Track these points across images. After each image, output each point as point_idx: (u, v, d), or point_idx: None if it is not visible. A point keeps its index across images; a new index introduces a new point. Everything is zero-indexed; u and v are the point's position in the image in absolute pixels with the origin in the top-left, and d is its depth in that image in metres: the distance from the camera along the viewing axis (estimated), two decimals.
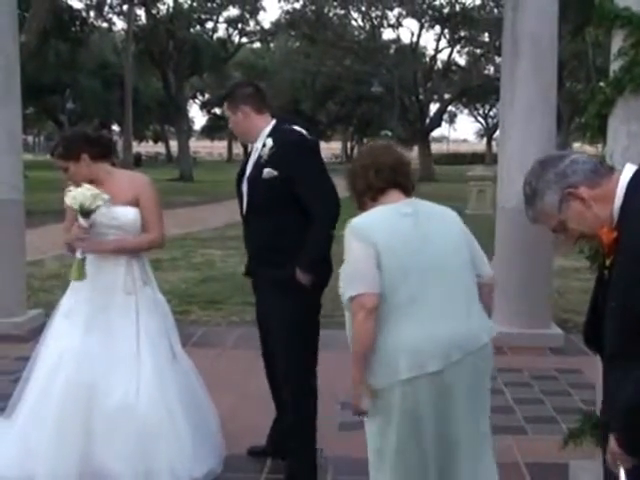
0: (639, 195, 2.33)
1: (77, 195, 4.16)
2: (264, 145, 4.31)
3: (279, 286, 4.26)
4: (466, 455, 3.25)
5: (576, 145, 51.61)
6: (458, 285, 3.20)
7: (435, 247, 3.18)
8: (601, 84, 3.89)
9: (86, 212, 4.19)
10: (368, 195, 3.30)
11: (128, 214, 4.32)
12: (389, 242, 3.12)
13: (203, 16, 47.20)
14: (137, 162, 51.45)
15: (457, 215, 3.39)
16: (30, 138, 75.78)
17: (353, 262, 3.13)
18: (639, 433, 2.29)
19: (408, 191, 3.34)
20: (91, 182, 4.31)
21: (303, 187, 4.21)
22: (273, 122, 4.42)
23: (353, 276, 3.10)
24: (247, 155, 4.65)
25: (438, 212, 3.34)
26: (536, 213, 2.47)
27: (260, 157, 4.31)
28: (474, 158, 66.28)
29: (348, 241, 3.16)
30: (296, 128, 4.44)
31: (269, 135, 4.34)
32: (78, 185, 4.26)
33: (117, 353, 4.22)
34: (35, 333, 7.16)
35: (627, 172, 2.39)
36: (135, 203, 4.34)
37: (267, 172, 4.24)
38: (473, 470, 3.27)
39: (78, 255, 4.25)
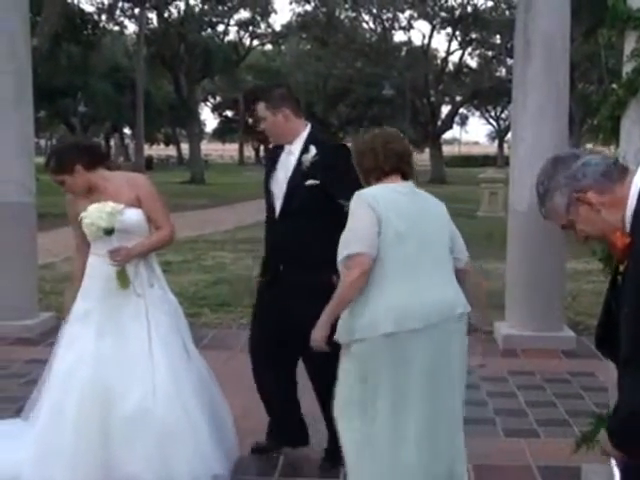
0: None
1: (94, 221, 4.15)
2: (305, 151, 4.36)
3: (312, 290, 4.18)
4: (447, 420, 3.67)
5: (588, 147, 51.42)
6: (441, 259, 3.63)
7: (426, 223, 3.61)
8: (614, 86, 3.88)
9: (109, 231, 4.19)
10: (374, 175, 3.70)
11: (131, 216, 4.31)
12: (389, 212, 3.49)
13: (214, 19, 47.32)
14: (148, 165, 51.56)
15: (444, 205, 3.80)
16: (42, 141, 76.02)
17: (358, 226, 3.47)
18: (635, 439, 2.29)
19: (408, 177, 3.75)
20: (89, 190, 4.33)
21: (342, 195, 4.17)
22: (309, 127, 4.48)
23: (356, 237, 3.45)
24: (273, 155, 4.62)
25: (430, 198, 3.76)
26: (547, 211, 2.47)
27: (301, 163, 4.35)
28: (486, 160, 66.16)
29: (355, 208, 3.53)
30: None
31: (309, 142, 4.39)
32: (77, 195, 4.30)
33: (131, 356, 4.22)
34: (46, 336, 7.20)
35: (638, 177, 2.35)
36: (137, 203, 4.34)
37: (311, 179, 4.31)
38: (451, 438, 3.71)
39: (118, 268, 4.25)
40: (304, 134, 4.43)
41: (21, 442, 4.33)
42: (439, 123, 47.67)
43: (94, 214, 4.16)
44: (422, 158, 68.95)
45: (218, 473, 4.24)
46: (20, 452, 4.28)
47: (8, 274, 7.64)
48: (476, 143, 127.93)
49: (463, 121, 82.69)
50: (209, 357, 4.91)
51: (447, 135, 72.97)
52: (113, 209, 4.17)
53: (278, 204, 4.44)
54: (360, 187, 4.20)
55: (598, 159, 2.37)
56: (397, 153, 3.68)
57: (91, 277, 4.38)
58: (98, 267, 4.33)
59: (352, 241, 3.44)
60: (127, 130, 64.24)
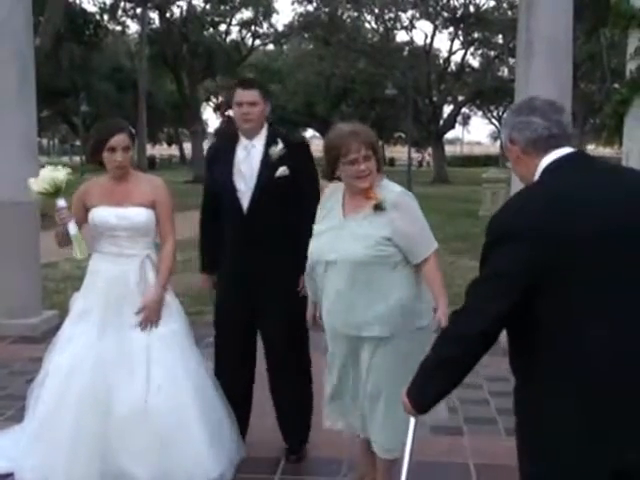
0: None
1: (45, 179, 4.23)
2: (272, 144, 4.42)
3: (283, 281, 4.38)
4: None
5: (590, 147, 51.39)
6: None
7: None
8: (616, 85, 3.90)
9: (59, 189, 4.24)
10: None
11: (140, 215, 4.31)
12: None
13: (216, 19, 47.28)
14: (151, 165, 51.54)
15: None
16: (45, 141, 76.08)
17: (425, 222, 3.72)
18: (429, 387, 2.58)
19: None
20: (122, 175, 4.35)
21: (308, 186, 4.35)
22: (267, 124, 4.56)
23: (430, 233, 3.74)
24: (219, 151, 4.66)
25: None
26: None
27: (268, 156, 4.42)
28: (488, 160, 66.09)
29: (413, 205, 3.73)
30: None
31: (274, 136, 4.48)
32: (124, 170, 4.33)
33: (131, 357, 4.22)
34: (49, 334, 7.16)
35: (549, 158, 2.48)
36: (151, 206, 4.35)
37: (281, 171, 4.38)
38: None
39: (72, 232, 4.26)
40: (264, 129, 4.53)
41: (18, 442, 4.35)
42: (441, 123, 47.63)
43: (41, 176, 4.25)
44: (425, 157, 68.56)
45: (215, 476, 4.23)
46: (17, 452, 4.31)
47: (11, 273, 7.66)
48: (478, 143, 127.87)
49: (465, 121, 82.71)
50: (211, 355, 4.91)
51: (449, 135, 72.91)
52: (57, 167, 4.27)
53: (245, 199, 4.47)
54: (317, 180, 4.41)
55: (539, 125, 2.50)
56: None
57: (93, 275, 4.39)
58: (100, 265, 4.34)
59: (431, 236, 3.74)
60: (130, 128, 64.20)
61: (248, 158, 4.49)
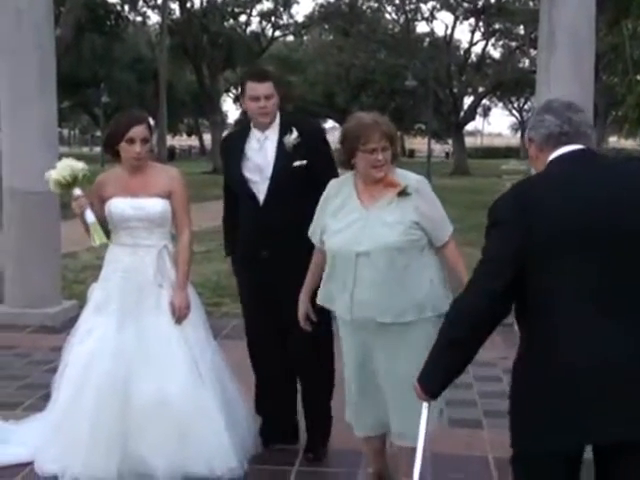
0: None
1: (65, 167, 4.28)
2: (287, 133, 4.38)
3: (300, 276, 4.15)
4: None
5: (612, 140, 51.06)
6: None
7: None
8: (638, 77, 3.85)
9: (76, 179, 4.27)
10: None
11: (156, 206, 4.31)
12: None
13: (237, 10, 47.35)
14: (171, 156, 51.67)
15: None
16: (66, 131, 76.46)
17: (441, 205, 3.76)
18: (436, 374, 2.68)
19: None
20: (139, 167, 4.35)
21: (327, 175, 4.14)
22: (278, 112, 4.51)
23: (446, 216, 3.78)
24: (232, 143, 4.63)
25: None
26: None
27: (283, 145, 4.37)
28: (508, 152, 65.75)
29: (431, 191, 3.78)
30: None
31: (288, 124, 4.42)
32: (142, 162, 4.33)
33: (150, 347, 4.23)
34: (69, 324, 7.20)
35: (555, 153, 2.59)
36: (167, 196, 4.34)
37: (296, 161, 4.33)
38: None
39: (88, 220, 4.27)
40: (277, 119, 4.46)
41: (38, 433, 4.38)
42: (461, 114, 47.43)
43: (59, 167, 4.31)
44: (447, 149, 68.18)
45: (234, 465, 4.23)
46: (38, 443, 4.34)
47: (32, 263, 7.71)
48: (499, 135, 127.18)
49: (486, 112, 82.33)
50: (230, 346, 4.92)
51: (469, 126, 72.63)
52: (73, 163, 4.30)
53: (262, 190, 4.42)
54: (334, 167, 4.29)
55: (550, 122, 2.63)
56: None
57: (110, 265, 4.40)
58: (117, 256, 4.35)
59: (447, 219, 3.78)
60: (150, 120, 64.45)
61: (262, 149, 4.44)
